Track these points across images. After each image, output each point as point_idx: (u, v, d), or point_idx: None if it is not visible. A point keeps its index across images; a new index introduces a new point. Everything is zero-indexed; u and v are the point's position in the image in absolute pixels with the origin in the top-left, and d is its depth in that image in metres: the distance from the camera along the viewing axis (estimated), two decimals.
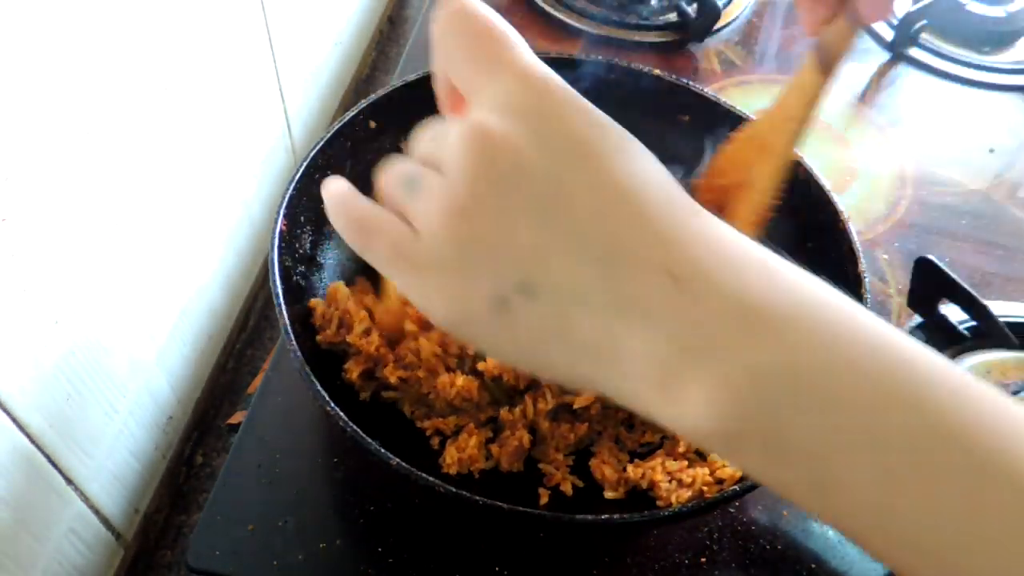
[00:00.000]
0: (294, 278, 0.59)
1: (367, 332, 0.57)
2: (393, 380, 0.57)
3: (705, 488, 0.53)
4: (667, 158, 0.74)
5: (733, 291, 0.27)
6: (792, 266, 0.30)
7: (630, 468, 0.55)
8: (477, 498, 0.46)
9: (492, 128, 0.28)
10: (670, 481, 0.53)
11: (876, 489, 0.26)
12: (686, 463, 0.55)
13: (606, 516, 0.47)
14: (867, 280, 0.58)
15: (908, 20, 0.99)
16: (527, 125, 0.28)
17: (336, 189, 0.33)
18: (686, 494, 0.53)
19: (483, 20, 0.31)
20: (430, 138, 0.32)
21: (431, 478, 0.47)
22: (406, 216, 0.30)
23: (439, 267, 0.29)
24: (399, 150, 0.69)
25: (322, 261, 0.64)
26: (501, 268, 0.28)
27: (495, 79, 0.30)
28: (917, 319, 0.72)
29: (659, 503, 0.53)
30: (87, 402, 0.56)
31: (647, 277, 0.27)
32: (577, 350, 0.29)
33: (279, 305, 0.53)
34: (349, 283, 0.62)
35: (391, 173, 0.32)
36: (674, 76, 0.71)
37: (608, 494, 0.55)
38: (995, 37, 1.02)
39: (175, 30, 0.59)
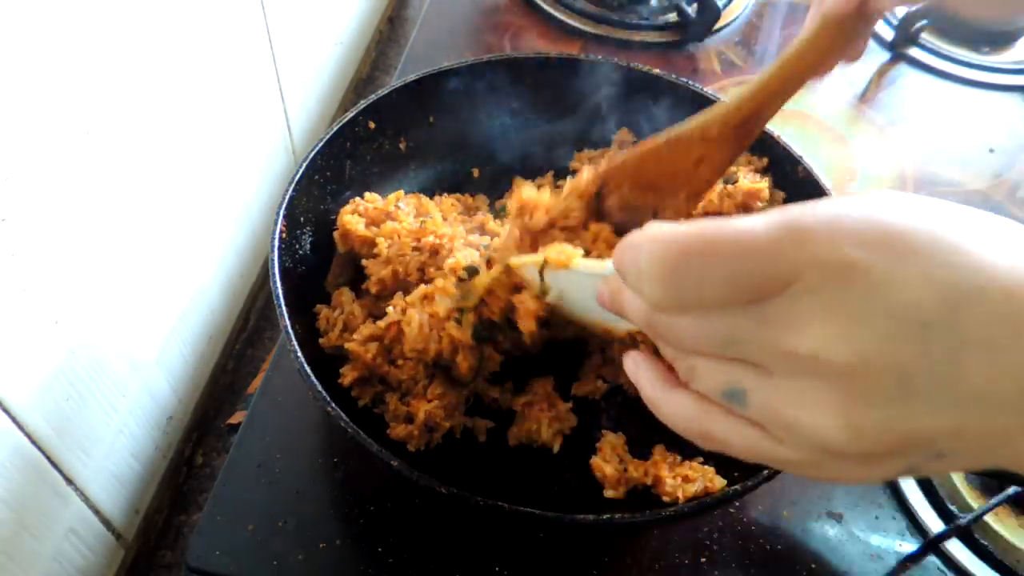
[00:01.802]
0: (294, 279, 0.59)
1: (366, 340, 0.57)
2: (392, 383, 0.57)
3: (709, 484, 0.53)
4: None
5: None
6: None
7: (631, 467, 0.55)
8: (478, 498, 0.46)
9: (855, 355, 0.26)
10: (675, 477, 0.54)
11: None
12: (681, 458, 0.55)
13: (607, 516, 0.47)
14: None
15: (908, 20, 0.99)
16: (881, 323, 0.26)
17: (677, 411, 0.32)
18: (692, 489, 0.53)
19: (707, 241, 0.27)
20: (714, 339, 0.29)
21: (431, 478, 0.47)
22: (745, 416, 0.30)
23: (835, 463, 0.29)
24: (399, 150, 0.70)
25: (322, 261, 0.64)
26: (914, 454, 0.28)
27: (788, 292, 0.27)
28: None
29: (665, 499, 0.53)
30: (87, 402, 0.56)
31: None
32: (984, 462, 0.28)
33: (279, 306, 0.53)
34: (350, 287, 0.62)
35: (703, 381, 0.31)
36: (674, 76, 0.71)
37: (608, 493, 0.55)
38: (995, 37, 1.02)
39: (175, 30, 0.59)
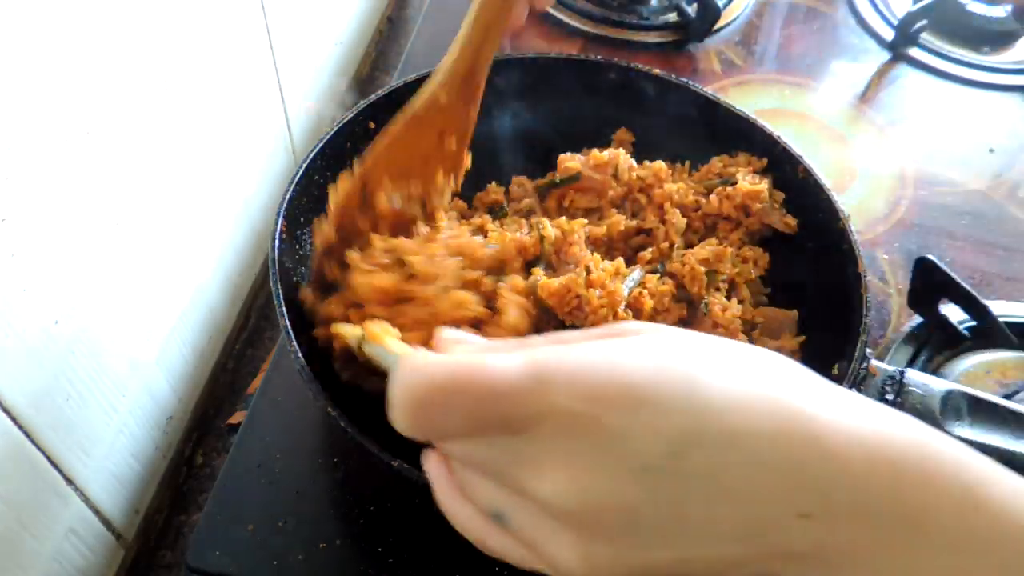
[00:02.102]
0: (294, 278, 0.59)
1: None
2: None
3: None
4: (667, 157, 0.74)
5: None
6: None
7: None
8: None
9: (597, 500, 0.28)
10: None
11: None
12: None
13: None
14: (867, 280, 0.58)
15: (908, 20, 0.99)
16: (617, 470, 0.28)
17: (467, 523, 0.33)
18: None
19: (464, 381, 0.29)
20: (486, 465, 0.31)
21: None
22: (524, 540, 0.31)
23: None
24: None
25: None
26: None
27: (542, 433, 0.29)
28: (917, 319, 0.72)
29: None
30: (87, 402, 0.56)
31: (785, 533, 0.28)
32: None
33: (279, 306, 0.53)
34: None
35: (474, 497, 0.32)
36: (674, 76, 0.71)
37: None
38: (995, 37, 1.02)
39: (175, 30, 0.59)
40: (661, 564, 0.29)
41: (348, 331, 0.47)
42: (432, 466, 0.35)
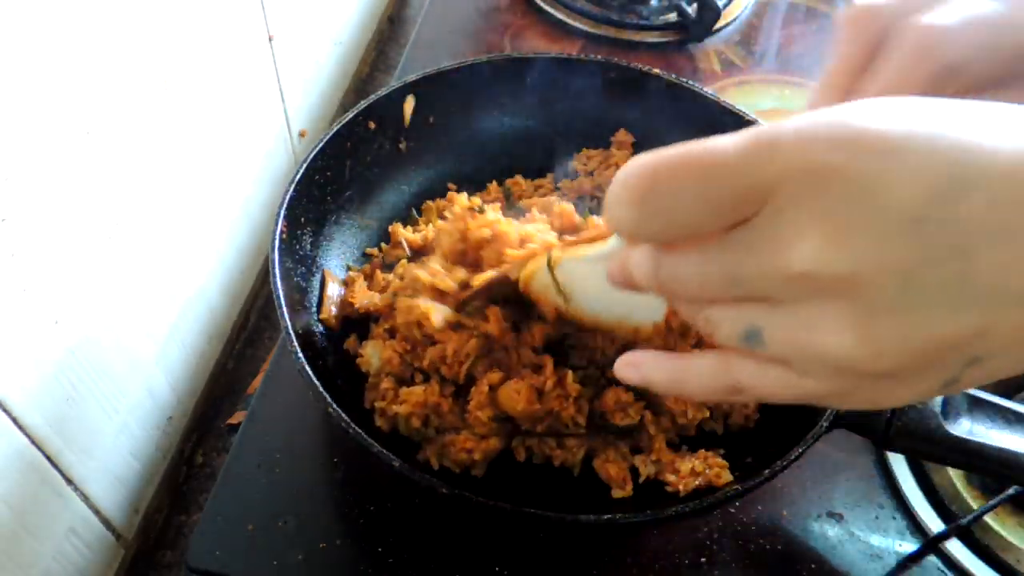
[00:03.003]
0: (294, 279, 0.59)
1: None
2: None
3: (714, 478, 0.53)
4: None
5: None
6: None
7: (637, 460, 0.55)
8: (480, 498, 0.46)
9: (855, 265, 0.24)
10: (677, 471, 0.54)
11: None
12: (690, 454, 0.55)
13: (608, 516, 0.47)
14: None
15: None
16: (872, 239, 0.24)
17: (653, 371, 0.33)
18: (694, 482, 0.53)
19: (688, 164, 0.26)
20: (725, 278, 0.28)
21: (432, 478, 0.47)
22: (754, 358, 0.29)
23: (867, 386, 0.27)
24: (398, 150, 0.70)
25: (322, 262, 0.64)
26: (947, 364, 0.26)
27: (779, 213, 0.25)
28: None
29: (669, 488, 0.53)
30: (87, 402, 0.56)
31: None
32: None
33: (280, 307, 0.53)
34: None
35: (722, 329, 0.29)
36: (674, 76, 0.71)
37: (616, 494, 0.54)
38: None
39: (175, 30, 0.59)
40: (956, 337, 0.25)
41: (532, 266, 0.49)
42: (632, 364, 0.34)
